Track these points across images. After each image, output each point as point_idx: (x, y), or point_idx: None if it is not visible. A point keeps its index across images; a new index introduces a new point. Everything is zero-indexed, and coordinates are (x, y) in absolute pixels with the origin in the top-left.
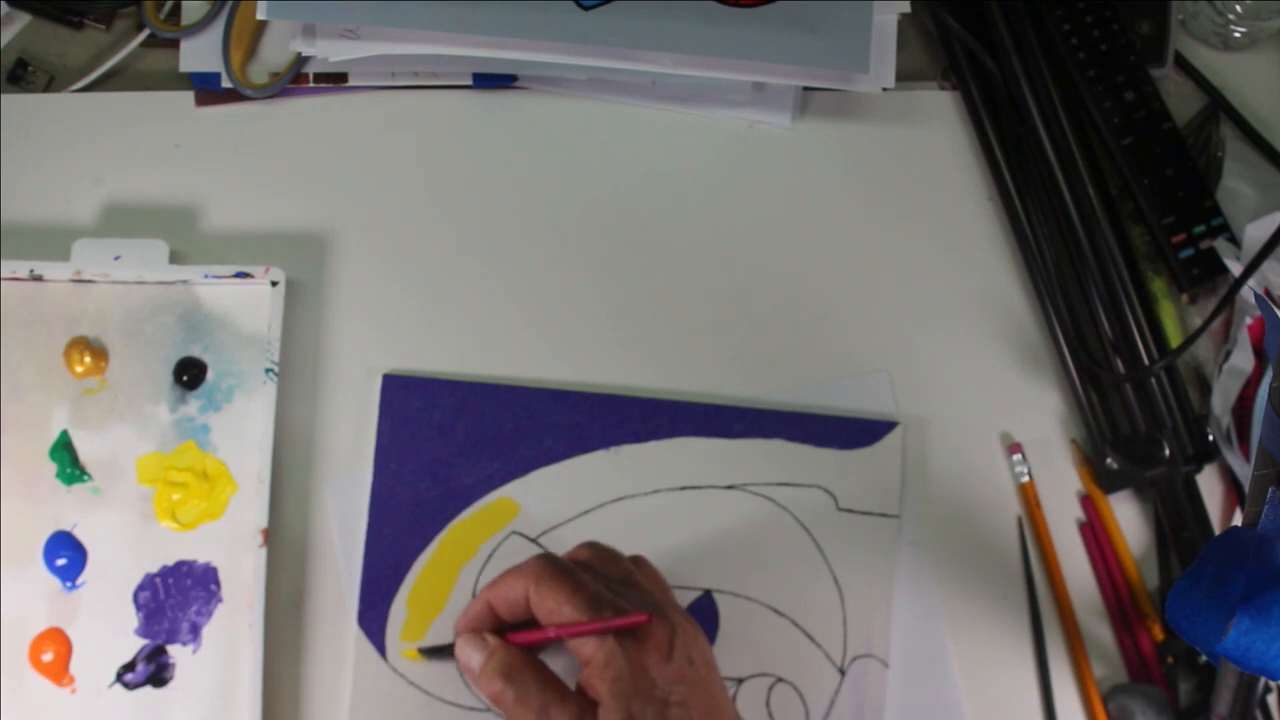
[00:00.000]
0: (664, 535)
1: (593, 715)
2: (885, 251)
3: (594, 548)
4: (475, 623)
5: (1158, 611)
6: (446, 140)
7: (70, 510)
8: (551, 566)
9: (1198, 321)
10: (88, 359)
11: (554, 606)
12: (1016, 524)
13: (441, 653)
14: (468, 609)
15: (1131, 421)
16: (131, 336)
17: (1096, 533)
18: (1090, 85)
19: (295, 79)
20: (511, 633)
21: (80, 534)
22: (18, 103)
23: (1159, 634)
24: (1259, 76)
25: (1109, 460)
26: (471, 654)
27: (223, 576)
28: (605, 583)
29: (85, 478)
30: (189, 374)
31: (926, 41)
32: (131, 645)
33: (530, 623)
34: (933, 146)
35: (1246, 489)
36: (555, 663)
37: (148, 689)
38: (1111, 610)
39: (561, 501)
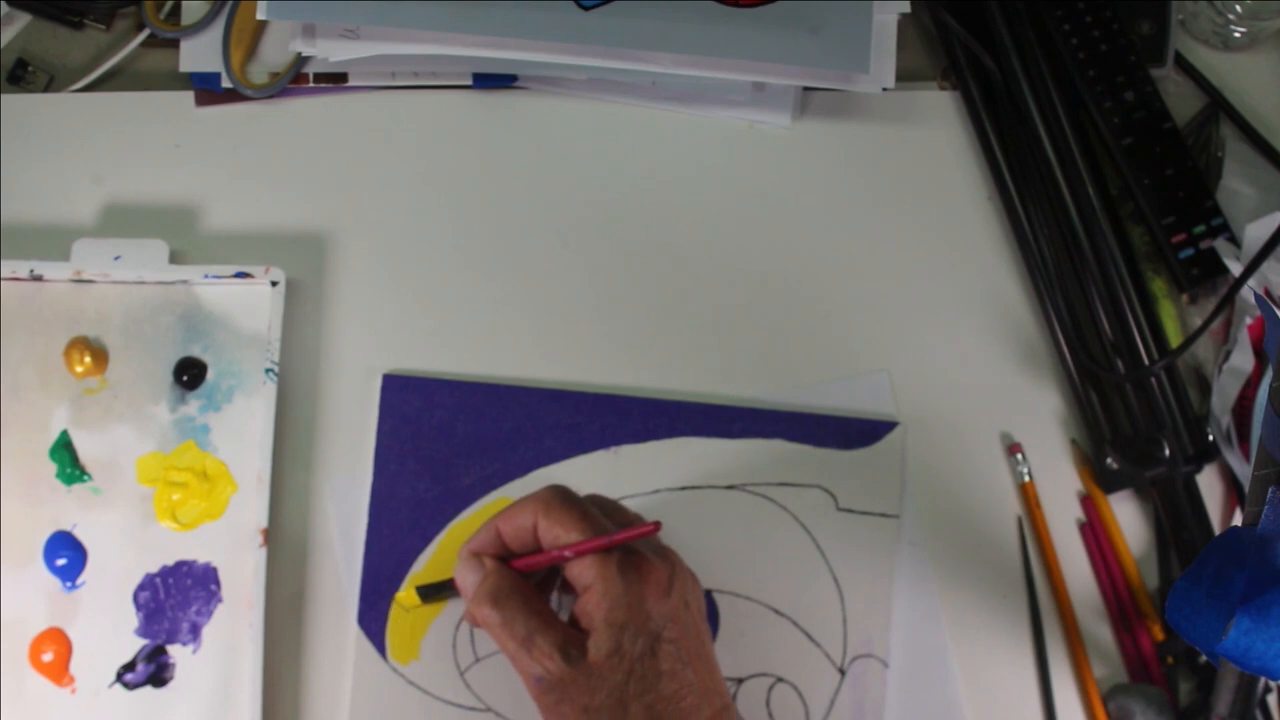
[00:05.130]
0: (664, 535)
1: (580, 646)
2: (885, 251)
3: (597, 497)
4: (480, 548)
5: (1158, 611)
6: (446, 140)
7: (70, 510)
8: (562, 495)
9: (1198, 321)
10: (88, 359)
11: (561, 532)
12: (1016, 524)
13: (439, 591)
14: (475, 534)
15: (1131, 421)
16: (131, 336)
17: (1096, 533)
18: (1090, 85)
19: (295, 79)
20: (517, 559)
21: (80, 534)
22: (18, 103)
23: (1159, 634)
24: (1259, 76)
25: (1109, 460)
26: (467, 575)
27: (223, 576)
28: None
29: (85, 478)
30: (189, 374)
31: (926, 41)
32: (131, 645)
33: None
34: (933, 146)
35: (1246, 489)
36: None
37: (148, 689)
38: (1111, 610)
39: None
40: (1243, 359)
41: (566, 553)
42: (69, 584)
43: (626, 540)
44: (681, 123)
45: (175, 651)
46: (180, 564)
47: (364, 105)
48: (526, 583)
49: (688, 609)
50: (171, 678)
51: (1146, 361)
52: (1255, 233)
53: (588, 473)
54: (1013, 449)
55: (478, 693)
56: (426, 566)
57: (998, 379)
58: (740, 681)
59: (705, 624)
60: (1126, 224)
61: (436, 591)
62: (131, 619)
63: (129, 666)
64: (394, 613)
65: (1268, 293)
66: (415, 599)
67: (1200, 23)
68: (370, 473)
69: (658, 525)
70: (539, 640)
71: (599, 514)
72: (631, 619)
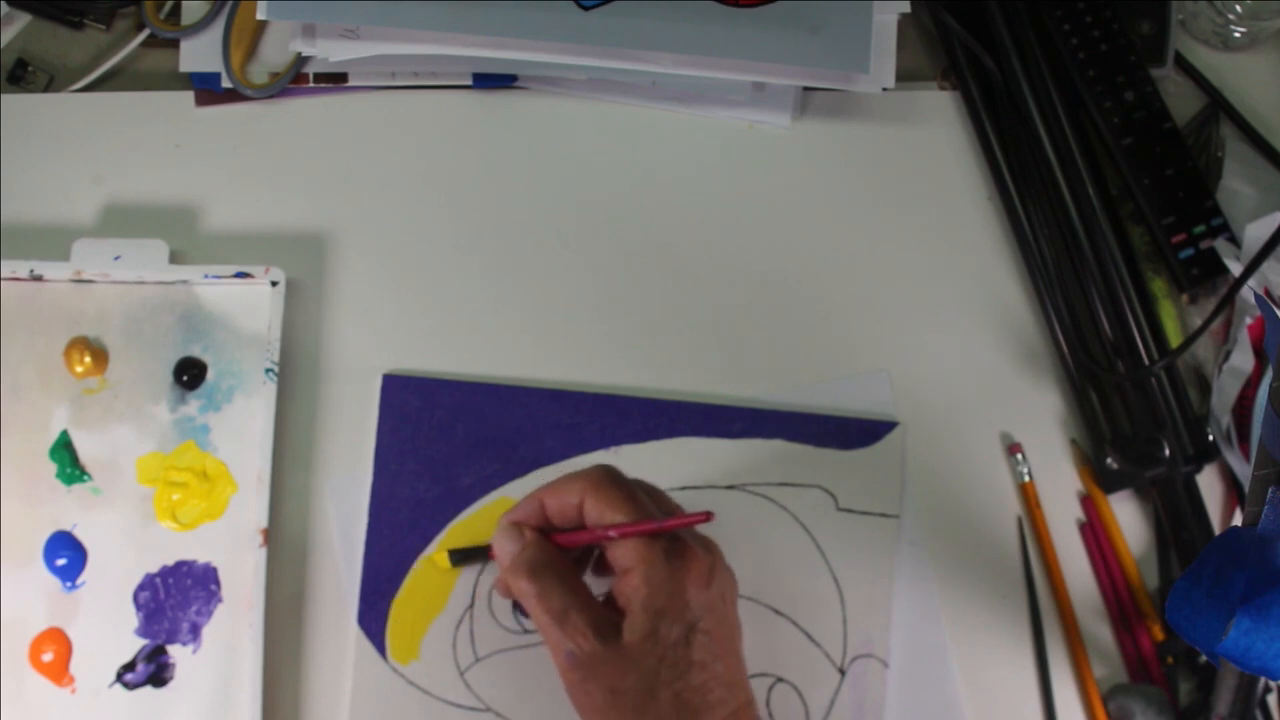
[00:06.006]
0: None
1: (614, 627)
2: (885, 251)
3: (643, 483)
4: (523, 519)
5: (1158, 611)
6: (446, 140)
7: (70, 510)
8: (611, 475)
9: (1198, 321)
10: (88, 359)
11: (609, 512)
12: (1016, 524)
13: (471, 556)
14: (518, 504)
15: (1131, 421)
16: (131, 336)
17: (1096, 533)
18: (1090, 85)
19: (295, 79)
20: (558, 535)
21: (80, 534)
22: (18, 103)
23: (1159, 634)
24: (1259, 76)
25: (1109, 460)
26: (506, 544)
27: (223, 576)
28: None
29: (85, 478)
30: (189, 374)
31: (926, 41)
32: (131, 645)
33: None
34: (933, 146)
35: (1246, 489)
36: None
37: (148, 689)
38: (1111, 610)
39: None
40: (1243, 359)
41: (612, 533)
42: (69, 584)
43: (677, 527)
44: (681, 123)
45: (175, 651)
46: (180, 564)
47: (364, 105)
48: (565, 558)
49: (724, 603)
50: (171, 678)
51: (1146, 361)
52: (1255, 233)
53: None
54: (1013, 449)
55: (478, 693)
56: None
57: (998, 379)
58: None
59: (738, 619)
60: (1126, 224)
61: (468, 557)
62: (131, 619)
63: (129, 666)
64: (394, 611)
65: (1268, 293)
66: (446, 562)
67: (1200, 23)
68: (370, 473)
69: (710, 515)
70: (574, 616)
71: (646, 498)
72: (670, 606)
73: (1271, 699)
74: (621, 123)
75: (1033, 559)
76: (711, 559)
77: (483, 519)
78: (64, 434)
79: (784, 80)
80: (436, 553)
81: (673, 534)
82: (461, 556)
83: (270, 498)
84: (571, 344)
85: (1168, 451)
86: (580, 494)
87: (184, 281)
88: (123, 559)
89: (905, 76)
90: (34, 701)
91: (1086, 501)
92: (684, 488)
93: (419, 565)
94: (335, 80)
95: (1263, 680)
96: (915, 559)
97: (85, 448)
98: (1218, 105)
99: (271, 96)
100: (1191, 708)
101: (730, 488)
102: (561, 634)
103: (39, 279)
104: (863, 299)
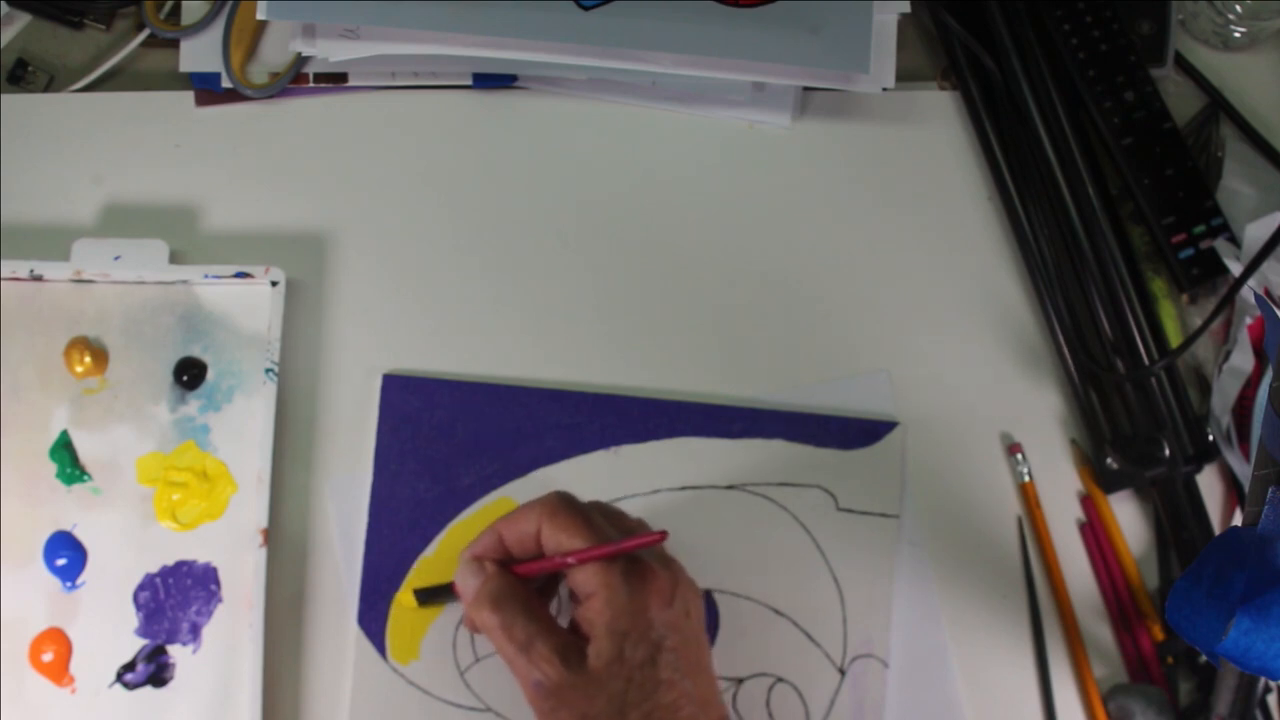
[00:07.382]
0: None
1: (580, 652)
2: (885, 251)
3: (599, 504)
4: (482, 553)
5: (1158, 611)
6: (446, 140)
7: (70, 510)
8: (567, 502)
9: (1198, 321)
10: (88, 359)
11: (565, 539)
12: (1016, 524)
13: (437, 595)
14: (477, 538)
15: (1131, 421)
16: (131, 336)
17: (1096, 533)
18: (1090, 85)
19: (295, 79)
20: (519, 565)
21: (80, 534)
22: (18, 103)
23: (1159, 634)
24: (1259, 76)
25: (1109, 460)
26: (468, 578)
27: (223, 576)
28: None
29: (85, 478)
30: (189, 374)
31: (926, 41)
32: (131, 645)
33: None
34: (933, 146)
35: (1246, 489)
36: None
37: (148, 689)
38: (1111, 610)
39: None
40: (1243, 359)
41: (570, 559)
42: (69, 584)
43: (632, 549)
44: (681, 123)
45: (175, 651)
46: (180, 564)
47: (364, 105)
48: (527, 588)
49: (689, 619)
50: (171, 678)
51: (1146, 361)
52: (1255, 233)
53: (588, 473)
54: (1013, 449)
55: (478, 693)
56: (428, 566)
57: (998, 379)
58: (740, 681)
59: (704, 634)
60: (1126, 224)
61: (434, 595)
62: (131, 619)
63: (129, 666)
64: (394, 611)
65: (1268, 293)
66: (413, 602)
67: (1200, 23)
68: (370, 473)
69: (664, 534)
70: (539, 645)
71: (603, 521)
72: (634, 627)
73: (1271, 699)
74: (621, 123)
75: (1033, 559)
76: (672, 576)
77: (483, 519)
78: (64, 434)
79: (784, 80)
80: (403, 593)
81: (632, 555)
82: (428, 595)
83: (270, 498)
84: (571, 344)
85: (1168, 451)
86: (536, 522)
87: (184, 281)
88: (123, 559)
89: (905, 76)
90: (34, 701)
91: (1086, 501)
92: (684, 488)
93: (393, 604)
94: (335, 80)
95: (1263, 680)
96: (915, 559)
97: (85, 448)
98: (1218, 105)
99: (271, 96)
100: (1191, 708)
101: (730, 488)
102: (528, 663)
103: (39, 279)
104: (863, 299)
